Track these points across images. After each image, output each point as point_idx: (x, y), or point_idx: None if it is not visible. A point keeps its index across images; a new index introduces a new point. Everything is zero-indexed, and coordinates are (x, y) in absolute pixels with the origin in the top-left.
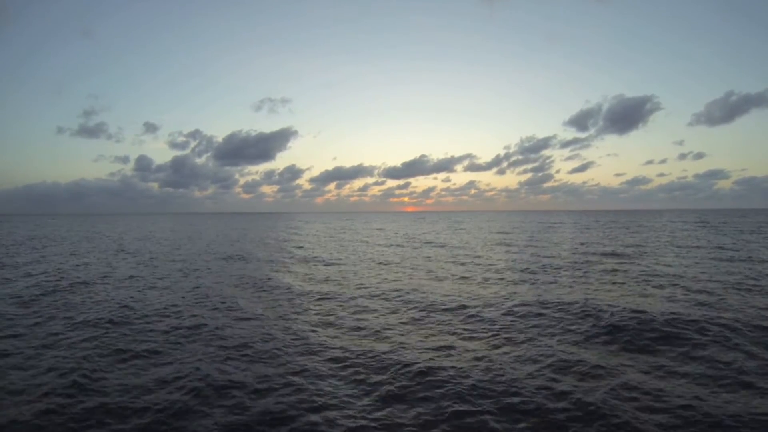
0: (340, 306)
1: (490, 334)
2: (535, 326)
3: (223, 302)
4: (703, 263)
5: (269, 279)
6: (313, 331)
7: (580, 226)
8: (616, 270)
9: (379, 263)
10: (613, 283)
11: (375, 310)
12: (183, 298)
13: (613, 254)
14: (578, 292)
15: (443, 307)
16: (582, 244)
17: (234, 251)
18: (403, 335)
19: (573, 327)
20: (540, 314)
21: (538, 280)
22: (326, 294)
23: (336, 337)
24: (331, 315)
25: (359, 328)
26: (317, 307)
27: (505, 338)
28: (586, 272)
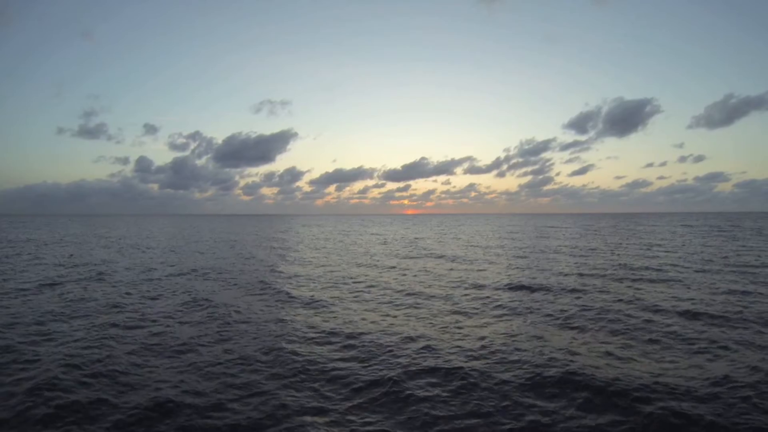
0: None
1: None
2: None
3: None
4: (723, 285)
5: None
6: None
7: (580, 232)
8: (617, 300)
9: (358, 284)
10: (611, 321)
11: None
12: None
13: (623, 267)
14: (569, 341)
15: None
16: (585, 255)
17: (205, 263)
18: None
19: (548, 407)
20: (518, 382)
21: (525, 315)
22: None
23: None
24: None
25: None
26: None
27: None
28: (583, 305)
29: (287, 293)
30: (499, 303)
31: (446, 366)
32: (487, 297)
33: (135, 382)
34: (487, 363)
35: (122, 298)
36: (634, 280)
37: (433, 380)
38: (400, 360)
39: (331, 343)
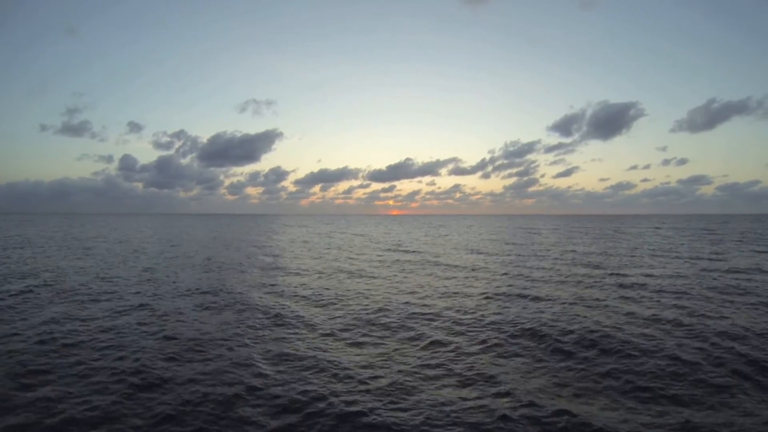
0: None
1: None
2: None
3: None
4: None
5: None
6: None
7: (565, 234)
8: (603, 314)
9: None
10: (596, 346)
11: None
12: None
13: (609, 275)
14: (553, 375)
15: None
16: (572, 260)
17: (169, 266)
18: None
19: None
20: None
21: (506, 339)
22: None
23: None
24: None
25: None
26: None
27: None
28: (571, 323)
29: (249, 304)
30: (481, 320)
31: (408, 401)
32: (472, 311)
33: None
34: (454, 398)
35: (62, 307)
36: (620, 288)
37: (392, 414)
38: (359, 387)
39: (283, 364)
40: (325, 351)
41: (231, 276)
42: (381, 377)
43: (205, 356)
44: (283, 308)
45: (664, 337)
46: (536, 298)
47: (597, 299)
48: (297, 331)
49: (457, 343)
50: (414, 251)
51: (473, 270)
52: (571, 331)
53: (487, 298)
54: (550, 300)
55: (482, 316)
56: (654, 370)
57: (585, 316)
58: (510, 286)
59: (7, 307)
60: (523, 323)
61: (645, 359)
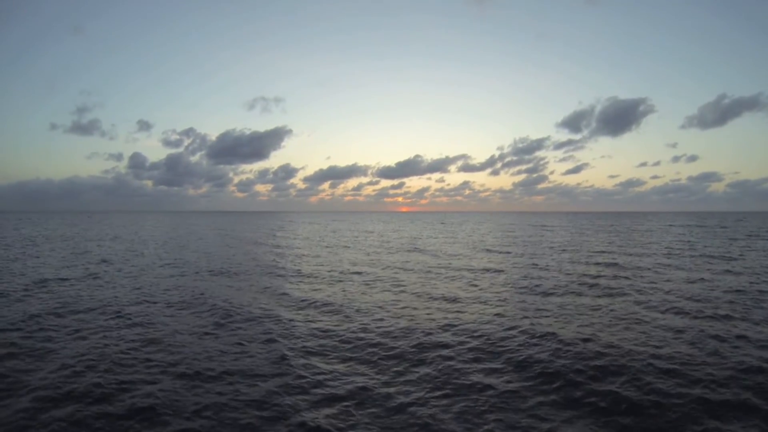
0: None
1: None
2: None
3: None
4: None
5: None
6: None
7: (578, 232)
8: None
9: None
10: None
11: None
12: None
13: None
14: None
15: None
16: (588, 260)
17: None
18: None
19: None
20: None
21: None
22: None
23: None
24: None
25: None
26: None
27: None
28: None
29: (257, 312)
30: (505, 335)
31: None
32: (495, 322)
33: None
34: None
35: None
36: (643, 294)
37: None
38: None
39: (285, 378)
40: (336, 368)
41: (234, 279)
42: (398, 397)
43: (208, 374)
44: (293, 316)
45: (696, 361)
46: (558, 305)
47: (625, 310)
48: (304, 341)
49: (481, 362)
50: (429, 251)
51: (491, 272)
52: (598, 352)
53: (509, 304)
54: (572, 307)
55: (506, 329)
56: (691, 391)
57: (617, 333)
58: (530, 291)
59: None
60: (550, 338)
61: (683, 386)
